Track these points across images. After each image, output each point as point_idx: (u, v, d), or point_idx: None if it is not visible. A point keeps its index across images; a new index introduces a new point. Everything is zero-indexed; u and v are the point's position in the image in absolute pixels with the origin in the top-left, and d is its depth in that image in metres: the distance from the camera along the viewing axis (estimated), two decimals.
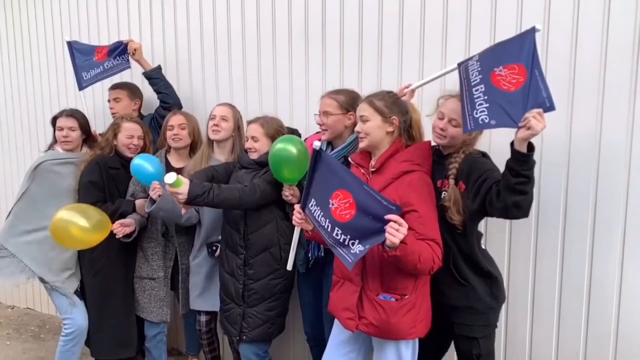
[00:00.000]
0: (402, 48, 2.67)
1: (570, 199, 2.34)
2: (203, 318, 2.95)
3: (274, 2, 3.06)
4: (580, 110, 2.27)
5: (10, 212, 2.95)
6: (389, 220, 1.73)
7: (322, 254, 2.53)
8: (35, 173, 2.91)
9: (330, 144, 2.50)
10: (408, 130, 2.09)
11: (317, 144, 1.93)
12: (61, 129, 2.99)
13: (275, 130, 2.58)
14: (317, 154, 1.94)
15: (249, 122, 2.64)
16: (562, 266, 2.40)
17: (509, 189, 1.82)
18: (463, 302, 2.12)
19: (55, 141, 3.07)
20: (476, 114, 1.85)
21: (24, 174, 2.98)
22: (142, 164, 2.61)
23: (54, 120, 3.05)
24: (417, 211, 1.89)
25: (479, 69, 1.93)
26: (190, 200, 2.28)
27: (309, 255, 2.58)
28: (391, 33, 2.69)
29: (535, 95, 1.76)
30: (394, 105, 2.07)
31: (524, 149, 1.77)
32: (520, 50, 1.84)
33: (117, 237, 2.67)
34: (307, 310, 2.80)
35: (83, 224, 2.48)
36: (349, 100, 2.38)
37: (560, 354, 2.45)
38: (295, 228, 2.25)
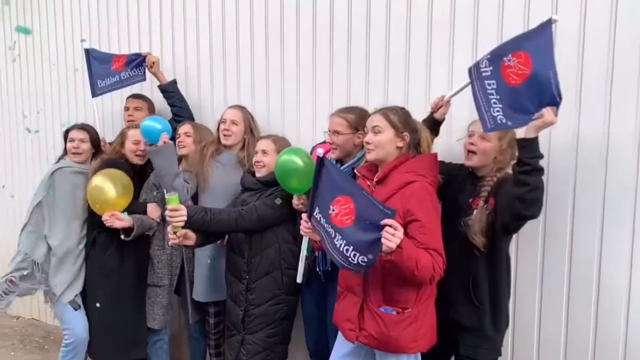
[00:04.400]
0: (408, 63, 2.69)
1: (578, 201, 2.32)
2: (212, 320, 2.96)
3: (283, 19, 3.10)
4: (587, 114, 2.26)
5: (28, 222, 2.97)
6: (385, 225, 1.73)
7: (330, 268, 2.51)
8: (52, 180, 2.95)
9: (339, 160, 2.52)
10: (416, 147, 2.10)
11: (320, 152, 1.95)
12: (72, 140, 3.04)
13: (285, 148, 2.58)
14: (320, 162, 1.96)
15: (260, 138, 2.68)
16: (570, 273, 2.36)
17: (515, 182, 1.84)
18: (473, 323, 2.11)
19: (65, 153, 3.12)
20: (493, 112, 1.89)
21: (38, 185, 3.02)
22: (151, 123, 2.76)
23: (66, 133, 3.11)
24: (419, 220, 1.89)
25: (489, 57, 1.95)
26: (189, 220, 2.27)
27: (317, 269, 2.55)
28: (399, 48, 2.72)
29: (547, 94, 1.79)
30: (406, 121, 2.09)
31: (531, 135, 1.82)
32: (532, 39, 1.86)
33: (106, 224, 2.70)
34: (310, 325, 2.76)
35: (113, 190, 2.69)
36: (358, 120, 2.40)
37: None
38: (304, 238, 2.24)
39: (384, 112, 2.10)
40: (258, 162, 2.61)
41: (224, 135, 2.81)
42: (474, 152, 2.16)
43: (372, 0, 2.79)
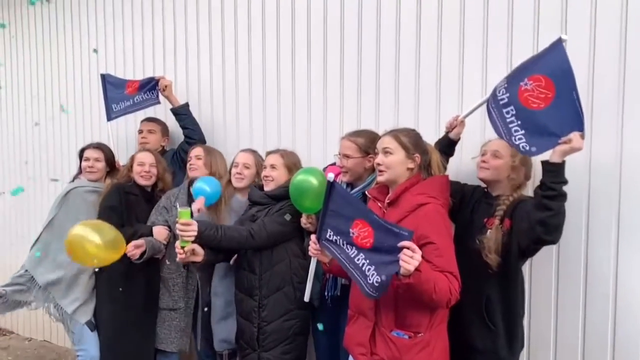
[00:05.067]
0: (418, 85, 2.70)
1: (592, 220, 2.29)
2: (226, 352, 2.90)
3: (294, 44, 3.15)
4: (599, 133, 2.24)
5: (38, 238, 3.01)
6: (402, 248, 1.71)
7: (339, 293, 2.49)
8: (65, 200, 2.99)
9: (350, 184, 2.51)
10: (427, 169, 2.10)
11: (331, 176, 1.95)
12: (87, 159, 3.09)
13: (294, 163, 2.64)
14: (330, 186, 1.96)
15: (268, 153, 2.69)
16: (586, 293, 2.32)
17: (537, 205, 1.82)
18: (487, 345, 2.08)
19: (80, 172, 3.17)
20: (515, 140, 1.87)
21: (52, 203, 3.06)
22: (202, 185, 2.71)
23: (81, 152, 3.16)
24: (434, 243, 1.87)
25: (505, 85, 1.94)
26: (200, 235, 2.28)
27: (326, 293, 2.54)
28: (408, 73, 2.74)
29: (574, 116, 1.78)
30: (417, 143, 2.09)
31: (558, 160, 1.80)
32: (546, 61, 1.85)
33: (132, 259, 2.67)
34: (321, 350, 2.73)
35: (96, 240, 2.44)
36: (368, 143, 2.40)
37: None
38: (312, 259, 2.23)
39: (395, 133, 2.10)
40: (267, 176, 2.62)
41: (237, 178, 2.81)
42: (486, 169, 2.18)
43: (381, 22, 2.83)
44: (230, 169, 2.87)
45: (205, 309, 2.90)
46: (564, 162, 1.81)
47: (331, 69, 3.02)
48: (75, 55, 4.32)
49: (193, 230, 2.24)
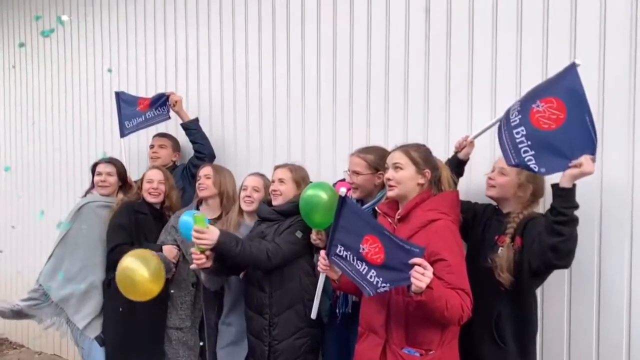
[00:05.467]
0: (428, 104, 2.71)
1: (605, 241, 2.26)
2: None
3: (304, 61, 3.18)
4: (610, 153, 2.23)
5: (52, 254, 3.03)
6: (413, 265, 1.71)
7: (350, 310, 2.47)
8: (78, 214, 3.02)
9: (360, 200, 2.50)
10: (437, 184, 2.09)
11: (342, 191, 1.95)
12: (100, 174, 3.13)
13: (302, 177, 2.63)
14: (342, 201, 1.96)
15: (277, 167, 2.68)
16: (599, 314, 2.28)
17: (548, 230, 1.80)
18: None
19: (92, 186, 3.20)
20: (524, 160, 1.86)
21: (65, 218, 3.09)
22: (188, 220, 2.57)
23: (93, 167, 3.20)
24: (446, 260, 1.86)
25: (519, 108, 1.94)
26: (218, 245, 2.28)
27: (337, 311, 2.51)
28: (417, 89, 2.75)
29: (585, 138, 1.75)
30: (427, 158, 2.09)
31: (568, 185, 1.77)
32: (559, 84, 1.84)
33: None
34: None
35: (145, 273, 2.46)
36: (377, 160, 2.39)
37: None
38: (320, 275, 2.23)
39: (405, 149, 2.10)
40: (275, 190, 2.60)
41: (245, 202, 2.79)
42: (493, 186, 2.19)
43: (390, 38, 2.84)
44: (239, 193, 2.86)
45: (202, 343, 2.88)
46: (574, 186, 1.78)
47: (340, 84, 3.04)
48: (89, 72, 4.41)
49: (209, 238, 2.24)
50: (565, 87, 1.81)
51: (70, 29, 4.51)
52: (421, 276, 1.69)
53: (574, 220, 1.79)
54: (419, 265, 1.70)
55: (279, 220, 2.57)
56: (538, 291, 2.30)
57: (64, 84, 4.61)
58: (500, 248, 2.04)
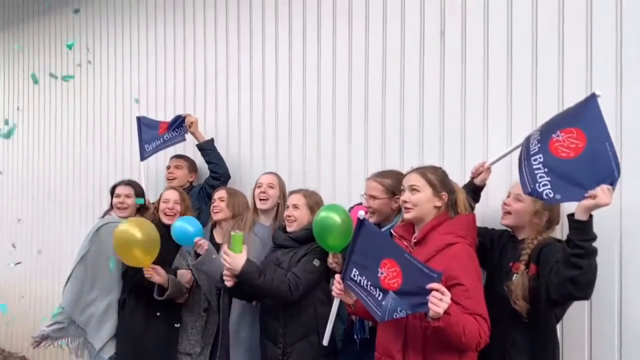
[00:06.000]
0: (443, 126, 2.72)
1: (625, 268, 2.21)
2: None
3: (319, 84, 3.22)
4: (629, 178, 2.19)
5: (70, 275, 3.05)
6: (431, 289, 1.69)
7: (368, 336, 2.42)
8: (97, 235, 3.06)
9: (377, 224, 2.48)
10: (454, 208, 2.08)
11: (361, 214, 1.95)
12: (118, 195, 3.17)
13: (316, 203, 2.61)
14: (361, 224, 1.95)
15: (291, 192, 2.69)
16: (621, 345, 2.22)
17: (565, 262, 1.77)
18: None
19: (111, 208, 3.24)
20: (539, 187, 1.83)
21: (84, 239, 3.12)
22: (182, 225, 2.71)
23: (112, 189, 3.25)
24: (463, 285, 1.84)
25: (539, 137, 1.93)
26: (240, 275, 2.30)
27: (355, 336, 2.47)
28: (432, 113, 2.76)
29: (605, 168, 1.72)
30: (444, 181, 2.09)
31: (583, 217, 1.74)
32: (579, 115, 1.84)
33: (145, 275, 2.70)
34: None
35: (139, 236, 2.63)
36: (394, 184, 2.38)
37: None
38: (335, 300, 2.21)
39: (422, 171, 2.09)
40: (289, 216, 2.59)
41: (261, 199, 2.82)
42: (509, 213, 2.17)
43: (405, 65, 2.86)
44: (253, 192, 2.87)
45: None
46: (591, 218, 1.74)
47: (355, 107, 3.06)
48: (110, 96, 4.51)
49: (232, 265, 2.27)
50: (586, 117, 1.81)
51: (93, 54, 4.63)
52: (439, 301, 1.67)
53: (592, 252, 1.75)
54: (437, 290, 1.69)
55: (295, 247, 2.54)
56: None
57: (85, 108, 4.72)
58: (515, 275, 2.02)
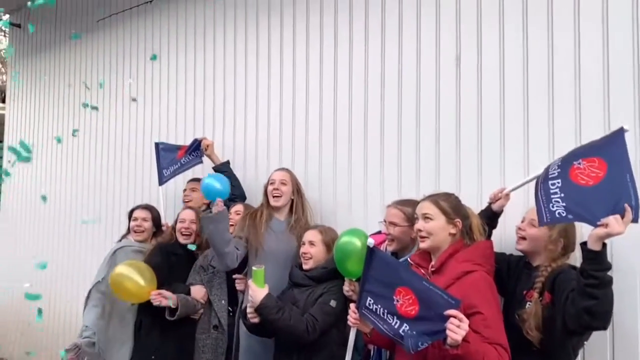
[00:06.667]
0: (459, 153, 2.71)
1: None
2: None
3: (335, 109, 3.25)
4: None
5: (89, 296, 3.07)
6: (449, 316, 1.67)
7: None
8: (113, 259, 3.10)
9: (395, 253, 2.47)
10: (469, 234, 2.07)
11: (370, 242, 1.94)
12: (135, 219, 3.22)
13: (332, 239, 2.56)
14: (371, 252, 1.94)
15: (307, 229, 2.68)
16: None
17: (580, 292, 1.74)
18: None
19: (128, 232, 3.29)
20: (552, 207, 1.83)
21: (101, 263, 3.16)
22: (211, 181, 2.76)
23: (130, 213, 3.29)
24: (482, 313, 1.82)
25: (559, 163, 1.93)
26: (259, 308, 2.30)
27: None
28: (448, 140, 2.75)
29: (622, 198, 1.70)
30: (457, 207, 2.07)
31: (596, 247, 1.71)
32: (604, 146, 1.83)
33: (153, 303, 2.75)
34: None
35: (136, 278, 2.75)
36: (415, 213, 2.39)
37: None
38: (352, 330, 2.19)
39: (434, 198, 2.08)
40: (305, 253, 2.56)
41: (274, 196, 2.82)
42: (523, 238, 2.15)
43: (421, 89, 2.87)
44: (266, 189, 2.88)
45: None
46: (604, 247, 1.72)
47: (371, 135, 3.07)
48: (132, 121, 4.61)
49: (258, 296, 2.29)
50: (610, 148, 1.80)
51: (117, 80, 4.75)
52: (457, 328, 1.66)
53: (608, 282, 1.73)
54: (455, 317, 1.67)
55: (311, 286, 2.51)
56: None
57: (108, 132, 4.82)
58: (528, 303, 2.00)
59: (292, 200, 2.91)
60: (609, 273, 1.74)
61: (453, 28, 2.77)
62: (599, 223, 1.70)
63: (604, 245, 1.72)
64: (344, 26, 3.25)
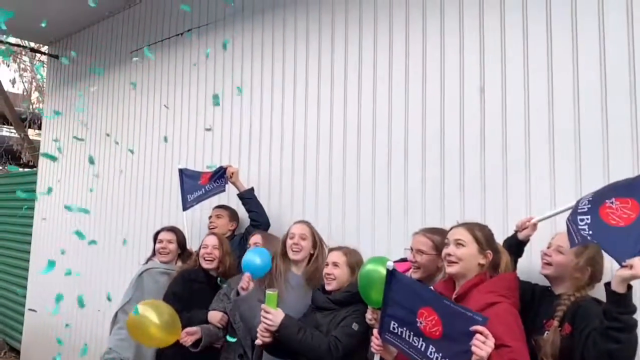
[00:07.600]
0: (484, 182, 2.70)
1: None
2: None
3: (359, 139, 3.28)
4: None
5: (116, 318, 3.12)
6: (474, 333, 1.66)
7: None
8: (140, 281, 3.15)
9: (420, 281, 2.43)
10: (496, 268, 2.05)
11: (390, 264, 1.93)
12: (161, 241, 3.29)
13: (356, 261, 2.55)
14: (390, 275, 1.94)
15: (331, 249, 2.67)
16: None
17: (603, 334, 1.70)
18: None
19: (153, 254, 3.35)
20: (583, 232, 1.82)
21: (128, 286, 3.23)
22: (252, 256, 2.67)
23: (156, 235, 3.36)
24: (509, 346, 1.78)
25: (590, 198, 1.91)
26: (280, 330, 2.29)
27: None
28: (473, 169, 2.75)
29: None
30: (490, 239, 2.07)
31: (621, 289, 1.67)
32: (638, 186, 1.81)
33: (185, 345, 2.72)
34: None
35: (155, 320, 2.58)
36: (443, 242, 2.31)
37: None
38: (375, 357, 2.17)
39: (469, 226, 2.08)
40: (328, 274, 2.54)
41: (294, 250, 2.80)
42: (549, 264, 2.12)
43: (445, 120, 2.88)
44: (285, 241, 2.86)
45: None
46: (630, 289, 1.67)
47: (395, 162, 3.08)
48: (154, 148, 4.74)
49: (272, 320, 2.28)
50: None
51: (141, 110, 4.93)
52: (482, 344, 1.64)
53: (632, 326, 1.68)
54: (480, 333, 1.65)
55: (334, 310, 2.49)
56: None
57: (131, 159, 4.97)
58: (547, 332, 1.95)
59: (311, 254, 2.88)
60: (634, 316, 1.69)
61: (476, 58, 2.79)
62: (624, 263, 1.66)
63: (630, 287, 1.68)
64: (368, 61, 3.29)
